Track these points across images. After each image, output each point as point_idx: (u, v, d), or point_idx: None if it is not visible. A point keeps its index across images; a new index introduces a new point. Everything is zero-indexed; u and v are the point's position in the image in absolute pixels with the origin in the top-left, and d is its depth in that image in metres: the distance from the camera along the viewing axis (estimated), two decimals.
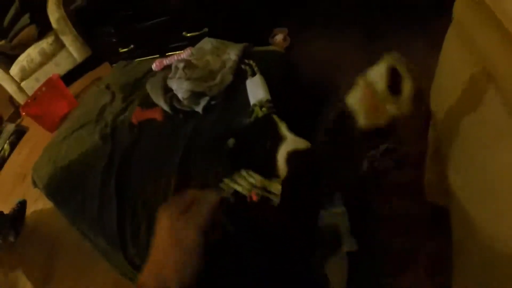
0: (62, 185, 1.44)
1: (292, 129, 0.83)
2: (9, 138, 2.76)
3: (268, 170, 0.61)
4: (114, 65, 2.27)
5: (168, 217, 0.46)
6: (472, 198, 0.77)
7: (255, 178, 0.69)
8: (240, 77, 1.29)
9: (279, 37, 1.69)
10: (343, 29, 1.83)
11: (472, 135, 0.80)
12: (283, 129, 0.67)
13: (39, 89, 2.54)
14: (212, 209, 0.47)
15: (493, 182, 0.64)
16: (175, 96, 1.25)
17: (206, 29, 1.67)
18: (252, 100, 1.12)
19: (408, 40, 1.65)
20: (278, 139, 0.64)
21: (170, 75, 1.28)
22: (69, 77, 3.00)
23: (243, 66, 1.34)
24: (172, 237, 0.45)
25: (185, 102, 1.19)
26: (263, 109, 0.97)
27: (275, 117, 0.70)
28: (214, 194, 0.49)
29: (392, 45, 1.64)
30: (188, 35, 1.74)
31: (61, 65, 3.04)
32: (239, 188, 0.70)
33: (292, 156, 0.57)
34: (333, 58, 1.69)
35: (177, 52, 1.67)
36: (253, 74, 1.26)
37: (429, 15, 1.70)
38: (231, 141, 0.99)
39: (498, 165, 0.64)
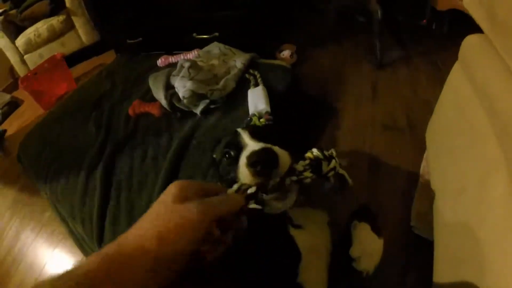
0: (48, 165, 1.42)
1: (288, 144, 0.83)
2: (2, 107, 2.73)
3: (232, 180, 0.60)
4: (119, 54, 2.28)
5: (178, 187, 0.41)
6: (458, 233, 0.77)
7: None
8: (243, 85, 1.30)
9: (286, 53, 1.72)
10: (350, 52, 1.86)
11: (464, 169, 0.81)
12: (245, 137, 0.66)
13: (42, 65, 2.52)
14: (233, 208, 0.42)
15: (484, 218, 0.65)
16: (175, 94, 1.25)
17: (216, 34, 1.68)
18: (252, 109, 1.13)
19: (412, 70, 1.67)
20: (241, 148, 0.63)
21: (174, 73, 1.29)
22: (73, 59, 2.98)
23: (247, 75, 1.35)
24: (174, 208, 0.39)
25: (185, 102, 1.20)
26: (261, 120, 0.97)
27: (239, 129, 0.69)
28: (242, 197, 0.47)
29: (396, 73, 1.67)
30: (198, 37, 1.75)
31: (67, 45, 3.03)
32: None
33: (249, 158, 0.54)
34: (336, 79, 1.72)
35: (184, 52, 1.68)
36: (256, 85, 1.27)
37: (436, 50, 1.74)
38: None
39: (489, 200, 0.64)
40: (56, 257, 1.57)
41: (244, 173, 0.55)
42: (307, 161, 0.59)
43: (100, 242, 1.09)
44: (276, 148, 0.56)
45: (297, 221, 0.74)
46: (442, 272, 0.83)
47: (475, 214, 0.70)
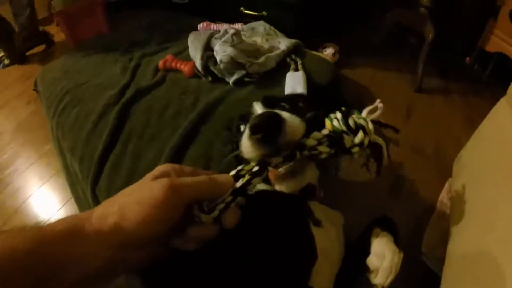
0: (63, 94, 1.37)
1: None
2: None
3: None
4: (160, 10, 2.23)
5: (161, 169, 0.40)
6: (467, 272, 0.73)
7: None
8: (282, 68, 1.24)
9: (329, 50, 1.66)
10: (393, 68, 1.82)
11: (497, 206, 0.76)
12: (258, 108, 0.57)
13: (80, 4, 2.48)
14: (213, 190, 0.39)
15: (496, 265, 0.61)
16: (213, 57, 1.19)
17: (264, 13, 1.62)
18: (288, 91, 1.07)
19: (448, 103, 1.64)
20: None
21: (216, 36, 1.23)
22: (112, 7, 2.94)
23: (288, 60, 1.29)
24: (141, 184, 0.38)
25: (221, 66, 1.13)
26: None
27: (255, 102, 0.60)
28: (231, 179, 0.41)
29: (432, 101, 1.63)
30: (245, 11, 1.69)
31: None
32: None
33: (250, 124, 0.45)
34: (374, 89, 1.68)
35: (227, 23, 1.63)
36: (296, 70, 1.21)
37: (474, 91, 1.71)
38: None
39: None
40: (44, 191, 1.53)
41: (245, 146, 0.46)
42: (324, 133, 0.47)
43: (95, 184, 1.03)
44: (285, 114, 0.46)
45: (318, 216, 0.68)
46: None
47: (503, 253, 0.65)
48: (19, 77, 2.34)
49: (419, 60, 1.68)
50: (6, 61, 2.46)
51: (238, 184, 0.41)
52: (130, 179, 0.95)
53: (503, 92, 0.92)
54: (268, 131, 0.42)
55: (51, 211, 1.43)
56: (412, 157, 1.36)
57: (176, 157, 0.94)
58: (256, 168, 0.43)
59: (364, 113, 0.54)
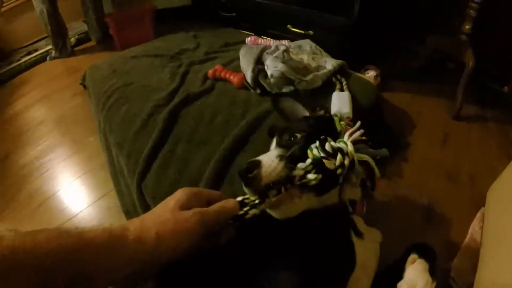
0: (111, 92, 1.44)
1: None
2: (79, 34, 2.84)
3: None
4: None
5: (184, 197, 0.47)
6: None
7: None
8: (327, 87, 1.27)
9: (371, 73, 1.68)
10: (431, 94, 1.82)
11: None
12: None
13: (130, 9, 2.59)
14: (224, 215, 0.49)
15: None
16: (263, 71, 1.23)
17: (311, 32, 1.67)
18: (334, 110, 1.09)
19: (485, 132, 1.64)
20: None
21: (268, 51, 1.27)
22: (160, 15, 3.07)
23: (333, 79, 1.32)
24: (173, 209, 0.46)
25: (272, 81, 1.17)
26: (342, 122, 0.93)
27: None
28: (236, 207, 0.51)
29: (470, 129, 1.62)
30: (292, 29, 1.74)
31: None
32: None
33: None
34: (412, 114, 1.68)
35: (274, 39, 1.68)
36: (341, 90, 1.24)
37: (509, 120, 1.68)
38: None
39: None
40: (81, 182, 1.57)
41: None
42: (308, 162, 0.55)
43: (141, 180, 1.07)
44: (266, 160, 0.55)
45: (360, 229, 0.70)
46: None
47: None
48: (67, 69, 2.46)
49: (458, 87, 1.67)
50: (54, 54, 2.59)
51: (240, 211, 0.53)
52: (177, 182, 0.98)
53: None
54: (245, 179, 0.54)
55: (88, 201, 1.47)
56: (447, 184, 1.35)
57: (225, 163, 0.97)
58: (257, 201, 0.54)
59: (346, 136, 0.62)
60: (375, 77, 1.65)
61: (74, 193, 1.52)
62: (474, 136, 1.61)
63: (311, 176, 0.54)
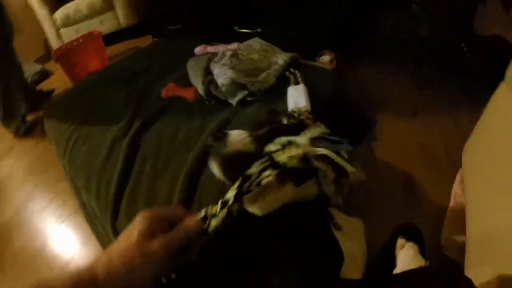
0: (71, 131, 1.39)
1: None
2: (33, 75, 2.75)
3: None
4: (156, 39, 2.28)
5: (146, 225, 0.46)
6: (489, 260, 0.74)
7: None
8: (282, 82, 1.26)
9: (326, 58, 1.68)
10: (393, 69, 1.83)
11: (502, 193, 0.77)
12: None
13: (77, 39, 2.54)
14: (188, 236, 0.47)
15: None
16: (213, 81, 1.21)
17: (259, 29, 1.65)
18: (291, 106, 1.08)
19: (451, 97, 1.65)
20: None
21: (215, 59, 1.25)
22: (109, 39, 3.00)
23: (287, 74, 1.31)
24: (137, 242, 0.44)
25: (223, 90, 1.16)
26: (301, 117, 0.92)
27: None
28: (199, 223, 0.49)
29: (436, 98, 1.64)
30: (239, 30, 1.72)
31: (104, 24, 3.06)
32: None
33: None
34: (377, 92, 1.69)
35: (223, 44, 1.65)
36: (296, 83, 1.23)
37: (477, 80, 1.71)
38: None
39: None
40: (63, 230, 1.54)
41: None
42: (264, 159, 0.54)
43: (114, 219, 1.04)
44: (235, 131, 0.58)
45: (338, 221, 0.69)
46: (475, 279, 0.78)
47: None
48: None
49: (418, 58, 1.70)
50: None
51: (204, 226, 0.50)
52: None
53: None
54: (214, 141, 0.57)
55: (73, 249, 1.44)
56: (422, 155, 1.36)
57: (192, 181, 0.95)
58: (220, 213, 0.51)
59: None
60: (330, 61, 1.65)
61: (59, 243, 1.50)
62: (441, 102, 1.63)
63: (267, 172, 0.52)
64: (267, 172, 0.52)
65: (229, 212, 0.50)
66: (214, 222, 0.50)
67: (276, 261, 0.51)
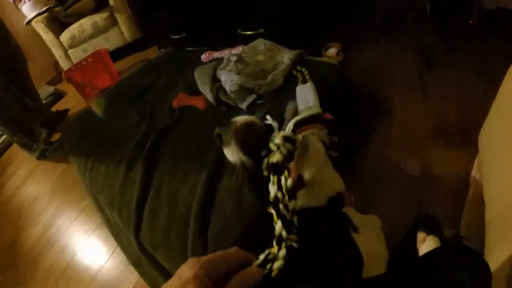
0: (89, 152, 1.43)
1: (339, 142, 0.79)
2: (46, 98, 2.83)
3: None
4: (162, 50, 2.31)
5: (198, 284, 0.38)
6: (507, 240, 0.70)
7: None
8: (290, 82, 1.25)
9: (332, 51, 1.66)
10: (398, 51, 1.79)
11: None
12: None
13: (85, 59, 2.60)
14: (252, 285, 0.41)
15: None
16: (222, 87, 1.22)
17: (261, 30, 1.65)
18: (301, 106, 1.07)
19: (462, 71, 1.59)
20: None
21: (220, 66, 1.26)
22: (116, 54, 3.07)
23: (294, 72, 1.30)
24: None
25: (232, 96, 1.16)
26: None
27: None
28: (257, 273, 0.42)
29: (445, 74, 1.59)
30: (242, 33, 1.73)
31: (110, 41, 3.13)
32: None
33: None
34: (384, 78, 1.66)
35: (228, 48, 1.66)
36: (304, 82, 1.22)
37: (486, 51, 1.65)
38: None
39: None
40: (89, 245, 1.59)
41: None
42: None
43: (138, 232, 1.07)
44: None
45: (355, 223, 0.69)
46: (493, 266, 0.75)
47: None
48: None
49: (423, 36, 1.65)
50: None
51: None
52: (170, 224, 0.98)
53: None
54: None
55: (101, 261, 1.48)
56: (437, 138, 1.33)
57: (210, 191, 0.97)
58: (280, 253, 0.46)
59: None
60: (337, 54, 1.63)
61: (87, 256, 1.54)
62: (452, 80, 1.58)
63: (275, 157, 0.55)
64: (283, 181, 0.52)
65: (288, 248, 0.46)
66: (277, 265, 0.45)
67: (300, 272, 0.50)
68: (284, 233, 0.47)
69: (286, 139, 0.56)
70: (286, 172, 0.52)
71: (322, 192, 0.63)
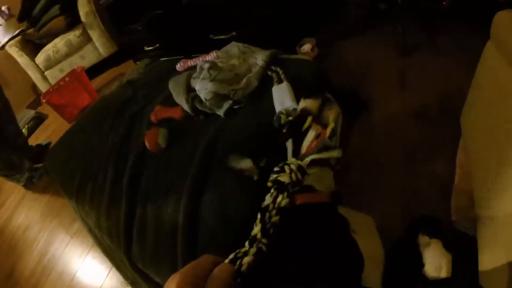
0: (74, 175, 1.41)
1: None
2: (28, 123, 2.79)
3: None
4: (138, 62, 2.29)
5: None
6: (505, 228, 0.71)
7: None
8: (266, 83, 1.25)
9: (307, 47, 1.66)
10: (374, 41, 1.80)
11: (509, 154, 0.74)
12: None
13: (62, 79, 2.57)
14: (223, 283, 0.43)
15: None
16: (197, 96, 1.21)
17: (234, 33, 1.65)
18: (278, 107, 1.07)
19: (439, 56, 1.60)
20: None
21: (194, 75, 1.25)
22: (93, 71, 3.03)
23: (269, 73, 1.30)
24: None
25: (207, 104, 1.16)
26: (290, 117, 0.92)
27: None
28: (229, 267, 0.46)
29: (423, 59, 1.60)
30: (215, 38, 1.72)
31: (86, 58, 3.09)
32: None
33: None
34: (362, 69, 1.66)
35: (202, 54, 1.65)
36: (280, 81, 1.22)
37: (461, 33, 1.66)
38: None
39: None
40: (86, 267, 1.58)
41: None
42: (272, 190, 0.62)
43: (129, 252, 1.06)
44: None
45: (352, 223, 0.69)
46: (488, 262, 0.76)
47: None
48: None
49: (396, 24, 1.65)
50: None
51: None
52: (158, 241, 0.98)
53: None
54: None
55: (98, 283, 1.47)
56: (419, 124, 1.34)
57: (194, 204, 0.96)
58: (251, 250, 0.52)
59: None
60: (312, 49, 1.63)
61: (84, 279, 1.53)
62: (429, 64, 1.59)
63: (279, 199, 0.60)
64: (279, 199, 0.59)
65: (258, 249, 0.52)
66: (246, 260, 0.50)
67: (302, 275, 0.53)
68: (259, 235, 0.54)
69: (300, 168, 0.63)
70: (285, 194, 0.60)
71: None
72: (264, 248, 0.53)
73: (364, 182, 1.19)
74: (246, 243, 0.54)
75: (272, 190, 0.61)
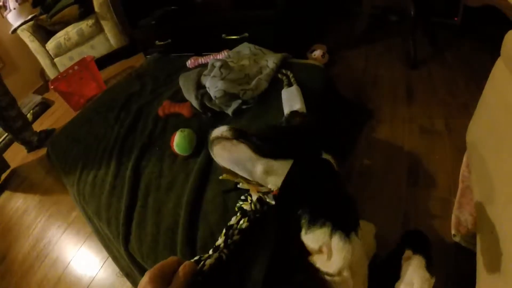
0: (76, 163, 1.42)
1: (326, 144, 0.79)
2: (33, 108, 2.80)
3: None
4: (148, 56, 2.29)
5: (150, 283, 0.49)
6: (506, 245, 0.70)
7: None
8: (275, 86, 1.25)
9: (318, 53, 1.66)
10: (383, 53, 1.80)
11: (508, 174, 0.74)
12: None
13: (72, 67, 2.58)
14: (187, 280, 0.51)
15: None
16: (206, 94, 1.22)
17: (246, 34, 1.65)
18: (287, 110, 1.08)
19: (447, 71, 1.61)
20: None
21: (205, 72, 1.26)
22: (102, 62, 3.05)
23: (279, 76, 1.30)
24: None
25: (217, 102, 1.16)
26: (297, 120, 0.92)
27: None
28: (193, 265, 0.54)
29: (431, 74, 1.61)
30: (227, 37, 1.73)
31: (96, 48, 3.10)
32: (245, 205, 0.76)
33: None
34: (370, 79, 1.67)
35: (213, 53, 1.66)
36: (290, 85, 1.22)
37: (471, 50, 1.67)
38: None
39: None
40: (81, 255, 1.57)
41: None
42: (238, 213, 0.74)
43: (127, 243, 1.06)
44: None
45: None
46: (486, 283, 0.75)
47: None
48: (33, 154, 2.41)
49: (406, 37, 1.65)
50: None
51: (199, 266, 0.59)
52: (157, 234, 0.97)
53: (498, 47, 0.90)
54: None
55: (92, 272, 1.47)
56: (424, 138, 1.34)
57: (196, 201, 0.96)
58: (214, 255, 0.62)
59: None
60: (322, 55, 1.64)
61: (78, 268, 1.53)
62: (437, 79, 1.60)
63: (241, 222, 0.72)
64: (241, 222, 0.70)
65: (219, 256, 0.62)
66: (208, 262, 0.60)
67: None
68: (222, 246, 0.65)
69: (260, 200, 0.72)
70: (246, 219, 0.70)
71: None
72: (224, 257, 0.63)
73: (366, 191, 1.19)
74: (211, 250, 0.64)
75: (238, 214, 0.72)
